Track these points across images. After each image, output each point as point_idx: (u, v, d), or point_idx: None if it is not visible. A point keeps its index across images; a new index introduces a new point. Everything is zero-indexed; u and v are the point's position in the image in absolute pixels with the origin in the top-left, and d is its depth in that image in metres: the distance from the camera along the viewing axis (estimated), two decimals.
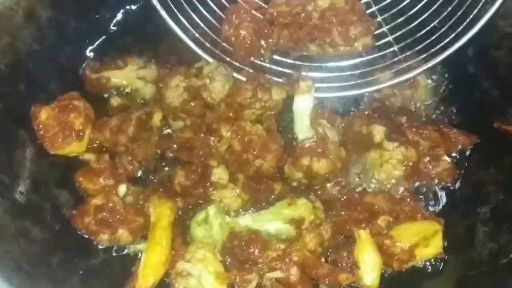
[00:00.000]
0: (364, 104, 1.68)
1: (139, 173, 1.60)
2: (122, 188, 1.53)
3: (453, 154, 1.62)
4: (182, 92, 1.56)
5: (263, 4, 1.61)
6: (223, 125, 1.52)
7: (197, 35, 1.58)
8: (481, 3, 1.47)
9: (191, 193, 1.52)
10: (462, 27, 1.48)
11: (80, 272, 1.44)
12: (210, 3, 1.59)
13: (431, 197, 1.60)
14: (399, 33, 1.58)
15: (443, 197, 1.60)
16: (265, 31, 1.57)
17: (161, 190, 1.54)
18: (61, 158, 1.56)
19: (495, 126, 1.56)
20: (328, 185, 1.55)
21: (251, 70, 1.59)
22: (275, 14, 1.56)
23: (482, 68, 1.63)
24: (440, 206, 1.59)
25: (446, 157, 1.59)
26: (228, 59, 1.59)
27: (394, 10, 1.59)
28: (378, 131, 1.56)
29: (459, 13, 1.50)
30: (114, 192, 1.52)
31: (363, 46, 1.54)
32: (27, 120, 1.53)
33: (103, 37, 1.77)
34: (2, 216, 1.36)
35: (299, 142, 1.54)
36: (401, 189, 1.56)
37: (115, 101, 1.66)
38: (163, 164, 1.61)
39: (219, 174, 1.51)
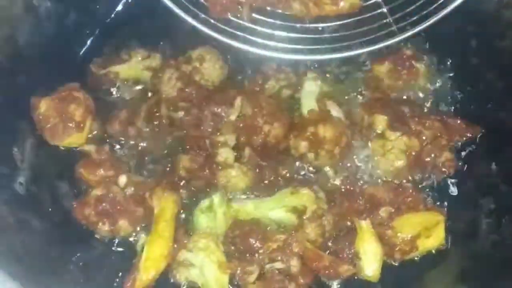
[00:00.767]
0: (365, 95, 1.67)
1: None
2: (123, 179, 1.52)
3: (456, 146, 1.61)
4: (175, 83, 1.56)
5: None
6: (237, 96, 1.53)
7: None
8: None
9: (197, 176, 1.52)
10: None
11: (81, 264, 1.43)
12: None
13: (434, 188, 1.58)
14: None
15: (445, 188, 1.59)
16: None
17: (164, 181, 1.53)
18: (61, 150, 1.56)
19: (498, 117, 1.55)
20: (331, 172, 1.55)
21: (229, 29, 1.49)
22: None
23: (486, 59, 1.61)
24: (443, 198, 1.58)
25: (449, 148, 1.57)
26: (202, 15, 1.48)
27: None
28: (380, 121, 1.55)
29: None
30: (115, 183, 1.52)
31: (350, 5, 1.47)
32: (27, 111, 1.52)
33: (103, 28, 1.76)
34: (2, 207, 1.35)
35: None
36: (404, 179, 1.55)
37: (127, 94, 1.66)
38: (165, 152, 1.60)
39: (225, 153, 1.51)
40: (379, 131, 1.56)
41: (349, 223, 1.49)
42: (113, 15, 1.78)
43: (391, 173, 1.55)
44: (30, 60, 1.54)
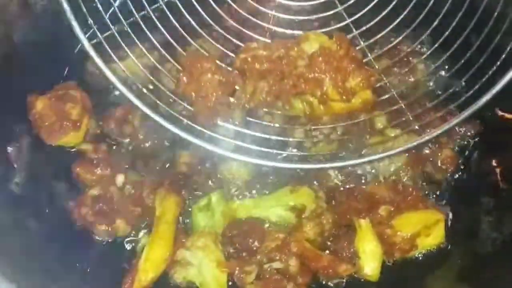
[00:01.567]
0: None
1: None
2: (120, 178, 1.51)
3: (456, 143, 1.60)
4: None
5: (229, 53, 1.34)
6: None
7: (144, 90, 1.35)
8: None
9: (198, 170, 1.51)
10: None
11: (77, 264, 1.42)
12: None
13: (434, 186, 1.58)
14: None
15: (445, 186, 1.58)
16: (235, 84, 1.27)
17: (166, 182, 1.52)
18: (58, 149, 1.54)
19: (499, 114, 1.53)
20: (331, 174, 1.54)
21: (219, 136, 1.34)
22: (248, 59, 1.25)
23: (487, 56, 1.59)
24: (443, 196, 1.57)
25: (449, 146, 1.57)
26: (185, 121, 1.32)
27: None
28: (380, 118, 1.54)
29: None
30: (112, 182, 1.51)
31: (363, 102, 1.32)
32: (23, 110, 1.51)
33: (100, 25, 1.74)
34: None
35: None
36: (404, 177, 1.54)
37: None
38: (163, 149, 1.59)
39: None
40: (378, 129, 1.55)
41: (348, 222, 1.48)
42: (110, 13, 1.76)
43: (390, 171, 1.54)
44: (26, 58, 1.52)
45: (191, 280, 1.42)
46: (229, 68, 1.32)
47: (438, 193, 1.57)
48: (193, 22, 1.35)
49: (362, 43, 1.41)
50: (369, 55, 1.43)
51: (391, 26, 1.41)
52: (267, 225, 1.48)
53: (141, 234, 1.51)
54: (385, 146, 1.46)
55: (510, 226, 1.44)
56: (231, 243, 1.45)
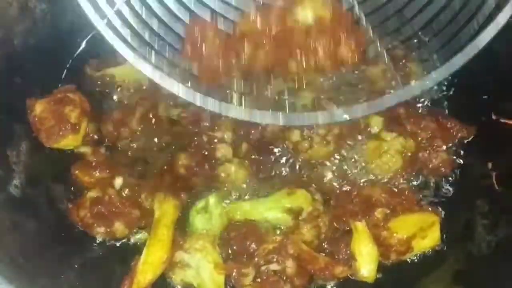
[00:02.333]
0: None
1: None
2: (119, 181, 1.52)
3: (452, 147, 1.61)
4: None
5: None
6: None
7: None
8: None
9: (196, 173, 1.53)
10: None
11: (76, 266, 1.42)
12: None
13: (429, 189, 1.58)
14: None
15: (441, 189, 1.59)
16: (235, 47, 1.27)
17: (165, 185, 1.53)
18: (57, 152, 1.55)
19: (494, 118, 1.55)
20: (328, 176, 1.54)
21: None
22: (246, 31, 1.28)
23: (481, 59, 1.60)
24: (439, 199, 1.57)
25: (444, 149, 1.58)
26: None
27: None
28: (376, 122, 1.56)
29: None
30: (110, 184, 1.52)
31: (352, 65, 1.36)
32: (22, 113, 1.52)
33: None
34: None
35: None
36: (400, 180, 1.55)
37: (123, 97, 1.65)
38: (161, 152, 1.60)
39: (223, 149, 1.53)
40: (374, 132, 1.57)
41: (345, 225, 1.49)
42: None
43: (386, 174, 1.55)
44: (25, 61, 1.54)
45: (189, 282, 1.43)
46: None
47: (433, 196, 1.57)
48: None
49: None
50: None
51: None
52: (264, 227, 1.48)
53: (139, 236, 1.51)
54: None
55: (505, 229, 1.45)
56: (229, 245, 1.46)
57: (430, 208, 1.53)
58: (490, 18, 1.21)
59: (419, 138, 1.56)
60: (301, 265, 1.43)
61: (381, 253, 1.45)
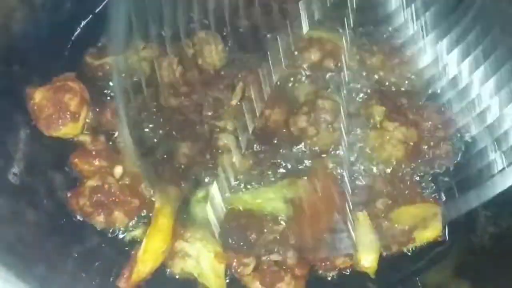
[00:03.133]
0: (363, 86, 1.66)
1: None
2: (118, 170, 1.51)
3: (454, 137, 1.60)
4: (177, 67, 1.57)
5: None
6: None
7: None
8: None
9: (197, 162, 1.52)
10: None
11: (75, 255, 1.41)
12: None
13: (432, 180, 1.57)
14: None
15: (443, 180, 1.57)
16: None
17: (166, 175, 1.53)
18: (56, 140, 1.54)
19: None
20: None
21: None
22: None
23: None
24: (441, 190, 1.56)
25: (447, 140, 1.57)
26: None
27: None
28: (378, 111, 1.55)
29: None
30: (110, 173, 1.50)
31: None
32: (21, 101, 1.51)
33: (98, 16, 1.74)
34: None
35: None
36: (402, 171, 1.54)
37: (123, 86, 1.59)
38: (161, 141, 1.58)
39: (226, 138, 1.53)
40: (377, 122, 1.56)
41: (346, 215, 1.48)
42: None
43: (389, 164, 1.54)
44: (25, 49, 1.52)
45: (189, 272, 1.42)
46: None
47: (435, 187, 1.56)
48: None
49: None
50: None
51: None
52: (265, 217, 1.47)
53: (139, 225, 1.50)
54: None
55: (507, 220, 1.45)
56: (229, 235, 1.45)
57: (431, 199, 1.53)
58: None
59: (421, 128, 1.55)
60: (301, 256, 1.43)
61: (383, 244, 1.45)
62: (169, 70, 1.57)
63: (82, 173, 1.52)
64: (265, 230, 1.44)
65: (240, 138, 1.51)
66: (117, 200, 1.46)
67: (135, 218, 1.50)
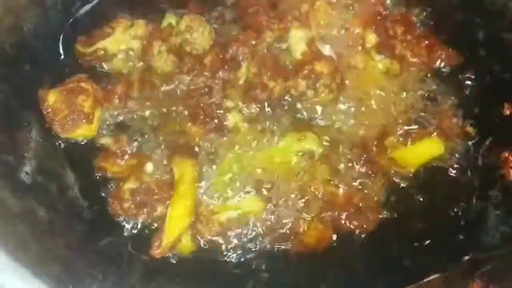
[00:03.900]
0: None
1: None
2: (149, 167, 1.51)
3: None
4: (167, 56, 1.57)
5: None
6: (242, 48, 1.57)
7: None
8: None
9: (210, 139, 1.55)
10: None
11: (88, 253, 1.39)
12: None
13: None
14: None
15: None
16: None
17: (180, 149, 1.53)
18: (67, 139, 1.53)
19: (507, 108, 1.55)
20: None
21: None
22: None
23: (493, 51, 1.62)
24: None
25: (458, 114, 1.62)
26: None
27: None
28: (370, 39, 1.62)
29: None
30: (143, 171, 1.50)
31: None
32: (32, 100, 1.50)
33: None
34: (8, 196, 1.32)
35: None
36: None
37: (121, 67, 1.62)
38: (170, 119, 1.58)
39: (234, 118, 1.55)
40: (367, 47, 1.62)
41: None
42: None
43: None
44: (36, 49, 1.54)
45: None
46: None
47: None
48: None
49: None
50: None
51: None
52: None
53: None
54: None
55: None
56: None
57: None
58: None
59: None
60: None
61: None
62: (160, 59, 1.57)
63: (112, 174, 1.52)
64: None
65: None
66: (157, 197, 1.48)
67: None
